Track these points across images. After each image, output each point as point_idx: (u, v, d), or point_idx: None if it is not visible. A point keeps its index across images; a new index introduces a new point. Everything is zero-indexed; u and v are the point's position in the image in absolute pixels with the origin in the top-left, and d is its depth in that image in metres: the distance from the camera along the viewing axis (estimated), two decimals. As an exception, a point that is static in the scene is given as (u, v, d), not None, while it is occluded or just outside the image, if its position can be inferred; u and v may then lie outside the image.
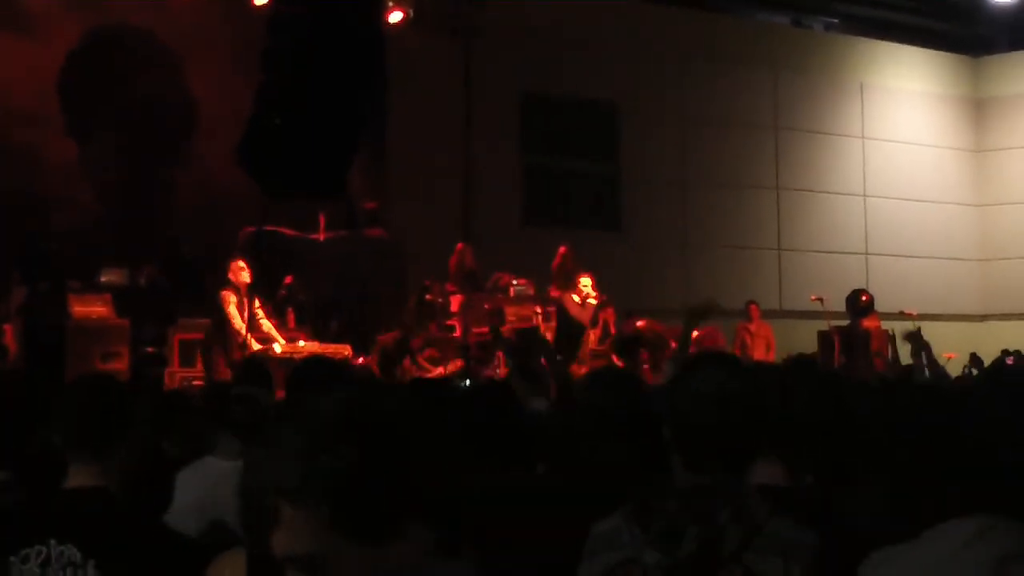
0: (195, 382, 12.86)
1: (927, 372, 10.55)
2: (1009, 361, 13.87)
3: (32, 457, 4.46)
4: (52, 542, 3.69)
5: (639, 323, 15.24)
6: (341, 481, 1.82)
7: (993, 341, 17.61)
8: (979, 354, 14.85)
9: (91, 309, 13.28)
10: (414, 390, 5.86)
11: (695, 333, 11.44)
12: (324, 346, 13.48)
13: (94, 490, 3.76)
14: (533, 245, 16.97)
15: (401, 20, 16.86)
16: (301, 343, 13.50)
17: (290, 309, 14.54)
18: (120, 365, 12.82)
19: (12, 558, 3.68)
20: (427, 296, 14.99)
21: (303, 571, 1.84)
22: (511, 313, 15.10)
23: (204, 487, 4.75)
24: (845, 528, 3.56)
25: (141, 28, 15.70)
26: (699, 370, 3.30)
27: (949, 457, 2.69)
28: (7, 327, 13.20)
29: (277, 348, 12.98)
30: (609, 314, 15.44)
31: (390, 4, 16.90)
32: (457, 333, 15.06)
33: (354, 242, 16.24)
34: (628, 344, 12.80)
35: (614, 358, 12.49)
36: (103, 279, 13.81)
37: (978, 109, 22.97)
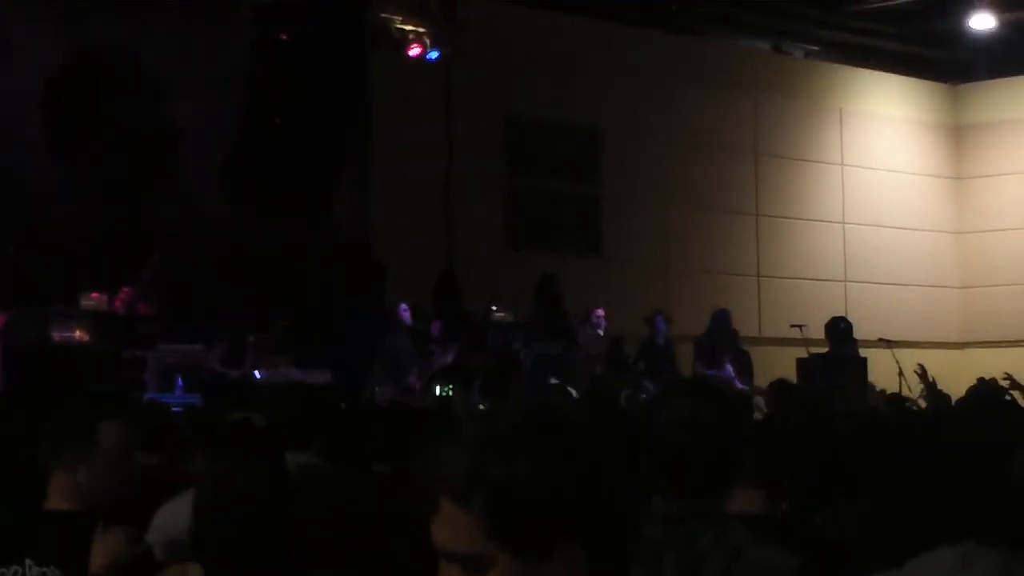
0: (174, 408, 12.81)
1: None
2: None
3: (12, 477, 4.44)
4: (29, 563, 3.67)
5: None
6: (502, 492, 1.85)
7: (972, 369, 17.62)
8: (956, 383, 14.85)
9: (71, 334, 13.24)
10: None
11: None
12: (305, 372, 13.46)
13: (75, 515, 3.75)
14: (515, 267, 17.00)
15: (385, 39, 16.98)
16: (281, 368, 13.48)
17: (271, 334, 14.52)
18: (99, 390, 12.76)
19: None
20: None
21: (462, 568, 1.88)
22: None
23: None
24: (827, 553, 3.57)
25: (123, 49, 15.68)
26: (675, 396, 3.33)
27: (935, 482, 2.70)
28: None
29: (258, 374, 12.97)
30: None
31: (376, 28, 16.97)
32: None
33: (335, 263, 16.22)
34: None
35: None
36: (83, 304, 13.78)
37: (958, 136, 23.06)
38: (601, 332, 16.09)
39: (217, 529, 3.30)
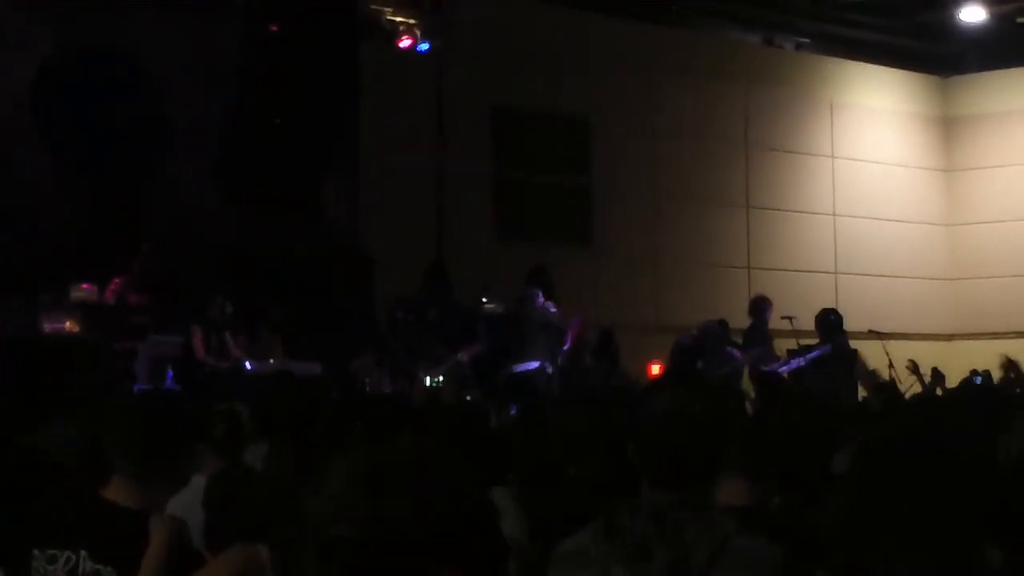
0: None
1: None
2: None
3: (15, 466, 4.43)
4: (84, 554, 3.62)
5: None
6: (364, 538, 1.79)
7: (961, 360, 17.68)
8: (946, 374, 14.88)
9: (61, 324, 13.22)
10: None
11: None
12: (295, 363, 13.45)
13: (136, 512, 3.69)
14: (505, 259, 16.98)
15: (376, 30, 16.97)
16: (271, 360, 13.48)
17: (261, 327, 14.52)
18: (91, 381, 12.74)
19: (36, 552, 3.63)
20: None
21: None
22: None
23: (186, 504, 4.68)
24: (813, 545, 3.57)
25: (115, 43, 15.65)
26: (662, 389, 3.34)
27: (930, 475, 2.69)
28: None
29: (248, 366, 12.96)
30: None
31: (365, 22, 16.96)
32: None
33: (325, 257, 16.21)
34: None
35: None
36: (74, 295, 13.75)
37: (947, 128, 23.08)
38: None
39: (231, 520, 3.33)
